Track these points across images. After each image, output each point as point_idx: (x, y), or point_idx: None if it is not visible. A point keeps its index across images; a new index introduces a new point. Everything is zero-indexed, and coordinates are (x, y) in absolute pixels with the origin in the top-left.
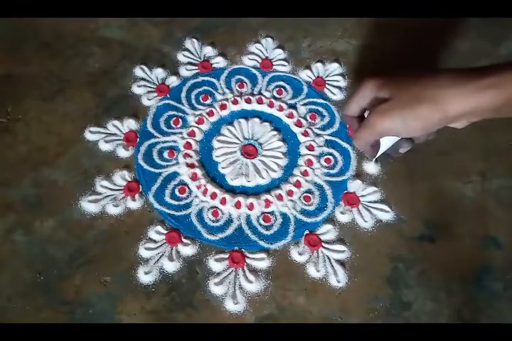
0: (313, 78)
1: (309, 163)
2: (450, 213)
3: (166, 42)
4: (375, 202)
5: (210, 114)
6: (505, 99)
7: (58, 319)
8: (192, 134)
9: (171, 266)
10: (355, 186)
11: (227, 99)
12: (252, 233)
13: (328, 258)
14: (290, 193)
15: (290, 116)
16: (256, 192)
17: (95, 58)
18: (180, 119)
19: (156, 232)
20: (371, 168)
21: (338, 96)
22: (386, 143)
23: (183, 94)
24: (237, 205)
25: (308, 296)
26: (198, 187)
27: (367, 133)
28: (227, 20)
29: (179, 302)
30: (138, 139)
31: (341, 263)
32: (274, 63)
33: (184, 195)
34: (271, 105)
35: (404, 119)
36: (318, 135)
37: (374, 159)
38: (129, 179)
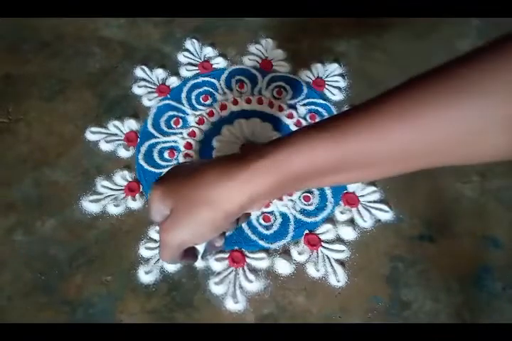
0: (313, 78)
1: None
2: (450, 213)
3: (166, 42)
4: (374, 201)
5: (211, 114)
6: (277, 181)
7: (59, 319)
8: (192, 134)
9: (172, 266)
10: (354, 186)
11: (227, 100)
12: (251, 232)
13: (328, 257)
14: (290, 193)
15: (290, 116)
16: None
17: (95, 58)
18: (180, 119)
19: (157, 232)
20: None
21: (337, 96)
22: (199, 247)
23: (184, 95)
24: None
25: (308, 296)
26: None
27: (168, 251)
28: (227, 21)
29: (179, 302)
30: (138, 139)
31: (341, 262)
32: (274, 64)
33: None
34: (271, 105)
35: (190, 229)
36: None
37: (200, 259)
38: (130, 179)
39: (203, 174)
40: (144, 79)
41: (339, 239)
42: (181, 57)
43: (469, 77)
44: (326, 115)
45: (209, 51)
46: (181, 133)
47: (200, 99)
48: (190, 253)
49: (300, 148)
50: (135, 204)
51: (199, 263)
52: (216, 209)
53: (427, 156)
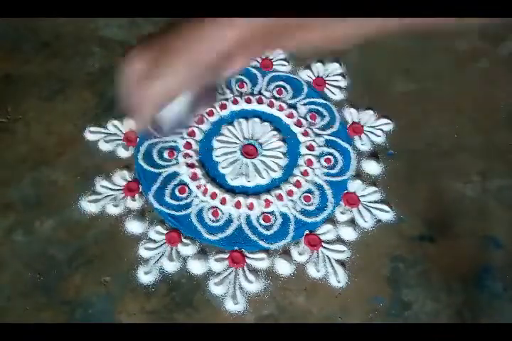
0: (313, 78)
1: (309, 162)
2: (450, 213)
3: None
4: (375, 202)
5: (210, 113)
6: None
7: (58, 319)
8: (192, 134)
9: (171, 266)
10: (355, 186)
11: (227, 99)
12: (252, 233)
13: (328, 258)
14: (290, 193)
15: (290, 116)
16: (256, 192)
17: (95, 58)
18: None
19: (156, 232)
20: (371, 167)
21: (338, 96)
22: (170, 113)
23: None
24: (237, 205)
25: (309, 296)
26: (198, 187)
27: (146, 109)
28: None
29: (179, 303)
30: (138, 139)
31: (341, 263)
32: (274, 63)
33: (184, 195)
34: (271, 105)
35: (182, 70)
36: (318, 135)
37: (164, 130)
38: (129, 179)
39: (178, 31)
40: None
41: (340, 240)
42: None
43: None
44: (326, 115)
45: None
46: (181, 132)
47: None
48: (157, 124)
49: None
50: (134, 204)
51: (163, 137)
52: (208, 43)
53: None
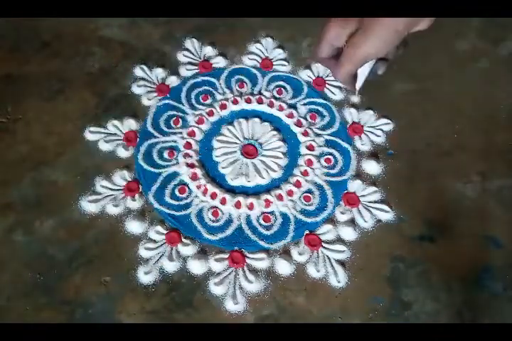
0: (314, 78)
1: (309, 162)
2: (450, 213)
3: (166, 42)
4: (375, 202)
5: (210, 113)
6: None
7: (58, 319)
8: (192, 134)
9: (171, 266)
10: (355, 186)
11: (227, 99)
12: (252, 233)
13: (328, 258)
14: (290, 193)
15: (290, 116)
16: (256, 192)
17: (95, 58)
18: (180, 119)
19: (156, 232)
20: (371, 167)
21: (338, 96)
22: (364, 71)
23: (183, 94)
24: (237, 205)
25: (309, 296)
26: (198, 187)
27: (350, 64)
28: (227, 20)
29: (179, 303)
30: (138, 139)
31: (341, 263)
32: (274, 63)
33: (184, 195)
34: (271, 105)
35: (380, 37)
36: (318, 135)
37: (358, 91)
38: (129, 179)
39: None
40: (143, 79)
41: (340, 240)
42: (181, 57)
43: None
44: (326, 115)
45: (209, 50)
46: (181, 132)
47: (200, 99)
48: (355, 79)
49: None
50: (134, 204)
51: (354, 97)
52: (397, 21)
53: None
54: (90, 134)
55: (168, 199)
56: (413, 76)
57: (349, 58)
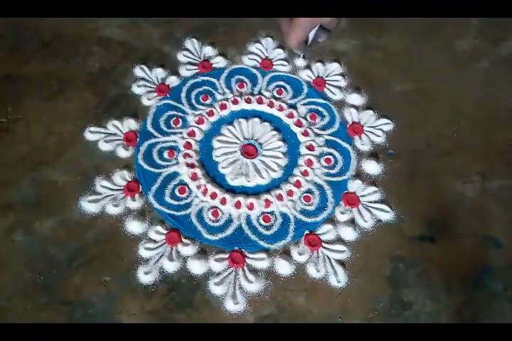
0: (313, 78)
1: (309, 162)
2: (450, 213)
3: (166, 42)
4: (375, 202)
5: (210, 113)
6: None
7: (58, 319)
8: (192, 134)
9: (171, 266)
10: (355, 186)
11: (227, 99)
12: (252, 233)
13: (328, 258)
14: (290, 193)
15: (290, 116)
16: (256, 192)
17: (95, 58)
18: (180, 119)
19: (156, 232)
20: (371, 167)
21: (338, 96)
22: (310, 36)
23: (183, 94)
24: (237, 205)
25: (309, 296)
26: (198, 187)
27: (298, 32)
28: (227, 20)
29: (179, 303)
30: (138, 139)
31: (341, 263)
32: (274, 63)
33: (184, 195)
34: (271, 105)
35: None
36: (318, 135)
37: (303, 55)
38: (129, 179)
39: None
40: (143, 79)
41: (340, 240)
42: (181, 57)
43: None
44: (326, 115)
45: (209, 50)
46: (181, 132)
47: (200, 99)
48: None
49: None
50: (134, 204)
51: (300, 61)
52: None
53: None
54: (90, 134)
55: (168, 199)
56: (413, 76)
57: (298, 25)
